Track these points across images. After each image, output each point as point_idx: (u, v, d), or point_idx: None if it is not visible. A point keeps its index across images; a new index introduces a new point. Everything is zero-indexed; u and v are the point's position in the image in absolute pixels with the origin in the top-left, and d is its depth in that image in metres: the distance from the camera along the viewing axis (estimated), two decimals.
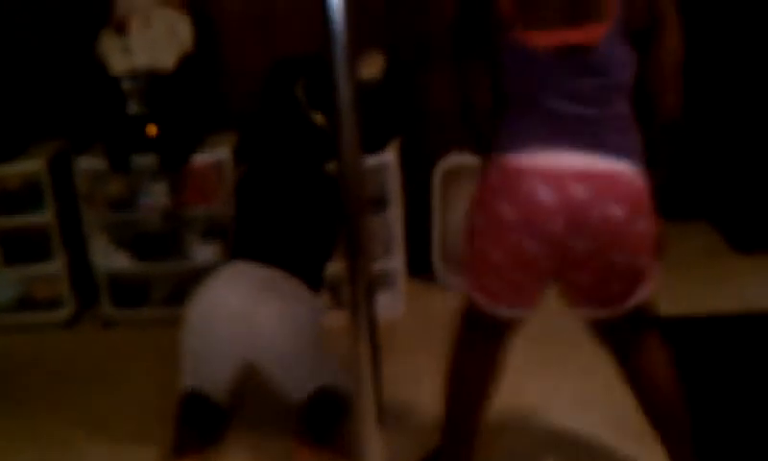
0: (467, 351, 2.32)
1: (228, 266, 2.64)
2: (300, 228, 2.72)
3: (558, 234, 2.00)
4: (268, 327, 2.48)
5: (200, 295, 2.59)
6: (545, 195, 1.98)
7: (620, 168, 1.99)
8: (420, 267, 3.80)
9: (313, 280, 2.68)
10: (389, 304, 3.56)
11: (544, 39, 1.95)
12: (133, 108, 3.39)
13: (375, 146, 3.37)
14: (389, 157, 3.43)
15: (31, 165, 3.55)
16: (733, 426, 2.67)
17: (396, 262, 3.59)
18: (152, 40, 3.37)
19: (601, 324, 2.22)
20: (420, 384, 2.93)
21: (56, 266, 3.66)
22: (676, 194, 4.11)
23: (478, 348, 2.30)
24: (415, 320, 3.53)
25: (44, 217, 3.59)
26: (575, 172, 1.98)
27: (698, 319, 3.33)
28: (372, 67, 3.39)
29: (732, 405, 2.79)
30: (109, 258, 3.64)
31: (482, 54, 2.12)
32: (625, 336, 2.24)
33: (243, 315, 2.47)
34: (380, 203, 3.49)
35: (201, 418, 2.61)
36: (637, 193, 2.01)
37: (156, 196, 3.53)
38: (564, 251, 2.03)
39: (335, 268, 2.93)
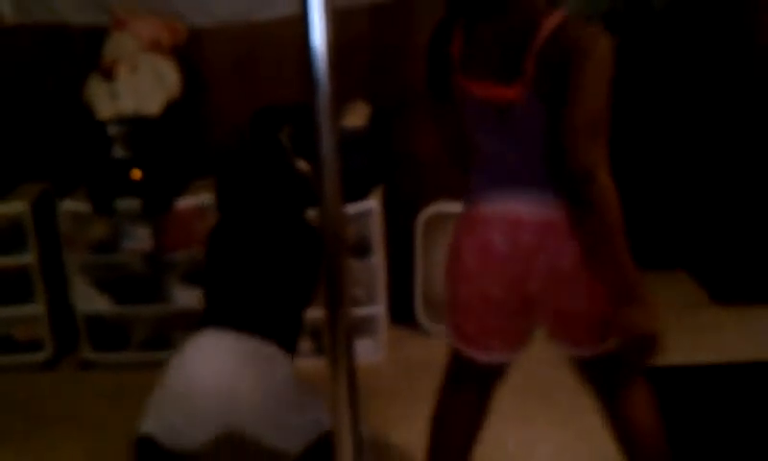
0: (450, 401, 2.33)
1: (204, 336, 2.56)
2: (276, 278, 2.70)
3: (515, 278, 2.08)
4: (248, 402, 2.45)
5: (178, 367, 2.54)
6: (500, 243, 2.07)
7: (563, 213, 2.01)
8: (402, 314, 3.81)
9: (288, 338, 2.65)
10: (370, 351, 3.56)
11: (479, 90, 2.03)
12: (118, 152, 3.40)
13: (359, 193, 3.40)
14: (372, 204, 3.46)
15: (14, 207, 3.55)
16: None
17: (378, 309, 3.60)
18: (138, 86, 3.39)
19: (583, 363, 2.24)
20: (401, 430, 2.92)
21: (36, 308, 3.64)
22: (655, 244, 4.18)
23: (462, 397, 2.32)
24: (396, 366, 3.53)
25: (26, 259, 3.58)
26: (524, 219, 2.05)
27: (676, 369, 3.35)
28: (356, 116, 3.43)
29: (709, 456, 2.80)
30: (90, 301, 3.63)
31: (451, 99, 2.16)
32: (608, 378, 2.25)
33: (222, 392, 2.44)
34: (363, 249, 3.51)
35: None
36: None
37: (139, 240, 3.54)
38: (524, 293, 2.10)
39: (316, 314, 2.93)
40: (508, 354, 2.25)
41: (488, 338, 2.21)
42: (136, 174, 3.42)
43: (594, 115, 1.90)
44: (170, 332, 3.65)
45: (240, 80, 3.68)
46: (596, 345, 2.15)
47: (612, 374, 2.24)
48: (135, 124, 3.38)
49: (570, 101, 1.89)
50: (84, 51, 3.57)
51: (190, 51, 3.60)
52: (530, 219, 2.05)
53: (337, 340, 1.30)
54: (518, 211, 2.07)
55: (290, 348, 2.65)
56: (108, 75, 3.38)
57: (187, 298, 3.55)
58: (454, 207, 3.58)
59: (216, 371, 2.47)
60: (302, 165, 2.94)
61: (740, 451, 2.82)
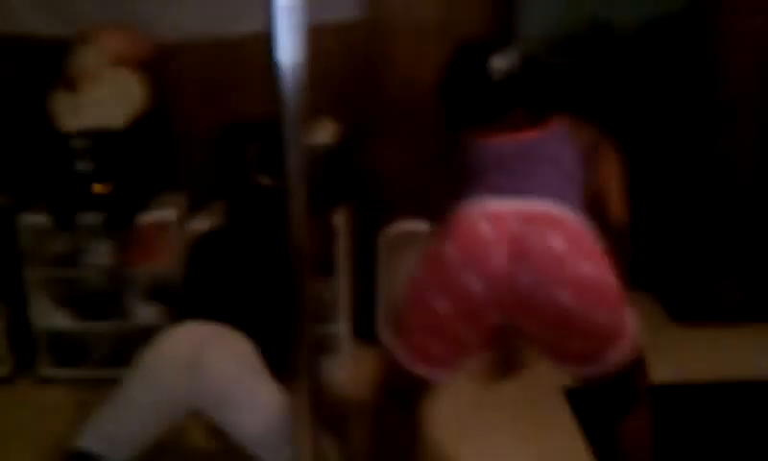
0: (390, 420, 2.31)
1: (176, 326, 2.59)
2: (249, 292, 2.69)
3: (501, 268, 2.00)
4: (207, 375, 2.43)
5: (146, 354, 2.53)
6: (485, 229, 2.04)
7: (559, 210, 2.08)
8: (365, 331, 3.80)
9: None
10: (334, 368, 3.55)
11: (494, 139, 2.30)
12: (81, 165, 3.37)
13: (325, 211, 3.40)
14: (338, 221, 3.46)
15: None
16: None
17: (342, 327, 3.59)
18: (102, 99, 3.37)
19: (589, 384, 2.21)
20: (365, 446, 2.91)
21: None
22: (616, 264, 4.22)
23: (405, 416, 2.29)
24: (360, 383, 3.52)
25: None
26: (514, 211, 2.07)
27: None
28: (323, 134, 3.44)
29: None
30: (49, 316, 3.58)
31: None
32: (612, 399, 2.24)
33: (189, 364, 2.42)
34: (328, 267, 3.50)
35: None
36: (578, 233, 2.06)
37: (101, 255, 3.50)
38: (510, 288, 2.01)
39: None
40: (456, 373, 2.23)
41: (449, 355, 2.17)
42: (99, 188, 3.39)
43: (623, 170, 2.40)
44: (130, 349, 3.60)
45: (207, 95, 3.66)
46: (599, 360, 2.09)
47: (619, 396, 2.22)
48: (99, 137, 3.35)
49: (602, 158, 2.36)
50: (48, 63, 3.53)
51: (156, 65, 3.58)
52: (524, 212, 2.06)
53: (300, 357, 1.30)
54: (509, 206, 2.09)
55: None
56: (73, 88, 3.35)
57: (148, 314, 3.52)
58: (417, 226, 3.61)
59: (178, 348, 2.45)
60: (266, 181, 2.94)
61: None
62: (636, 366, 2.18)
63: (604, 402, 2.25)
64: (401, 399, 2.28)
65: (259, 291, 2.69)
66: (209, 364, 2.43)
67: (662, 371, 3.50)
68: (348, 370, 3.61)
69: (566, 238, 2.02)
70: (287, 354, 2.59)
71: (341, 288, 3.56)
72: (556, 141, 2.26)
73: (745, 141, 3.78)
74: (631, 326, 2.14)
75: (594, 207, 2.22)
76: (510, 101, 2.34)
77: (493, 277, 2.01)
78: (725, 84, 3.73)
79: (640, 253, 4.32)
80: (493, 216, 2.05)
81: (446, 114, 2.45)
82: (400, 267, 3.69)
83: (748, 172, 3.82)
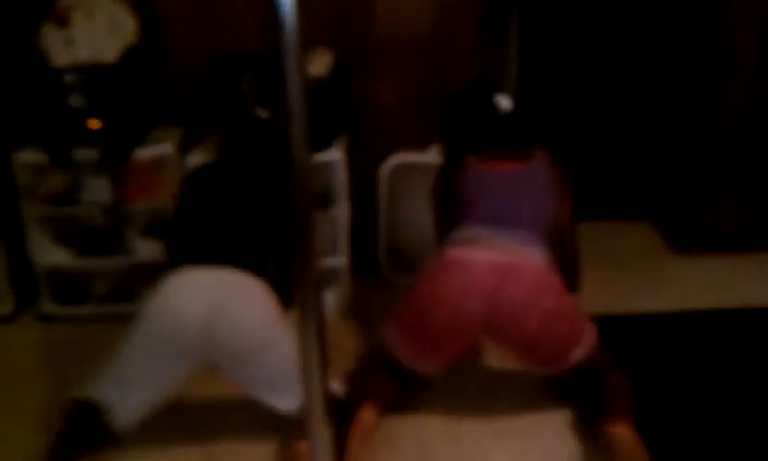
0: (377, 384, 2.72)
1: (181, 273, 2.55)
2: (246, 225, 2.68)
3: (476, 313, 2.54)
4: (227, 333, 2.43)
5: (156, 304, 2.51)
6: (465, 283, 2.55)
7: (524, 256, 2.58)
8: (365, 266, 3.79)
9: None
10: (333, 303, 3.56)
11: (493, 166, 2.80)
12: (75, 101, 3.32)
13: (323, 144, 3.37)
14: (336, 154, 3.43)
15: None
16: (672, 425, 2.73)
17: (341, 260, 3.58)
18: (95, 33, 3.31)
19: (555, 380, 2.72)
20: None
21: None
22: (619, 194, 4.21)
23: (388, 381, 2.72)
24: (360, 319, 3.53)
25: None
26: (487, 263, 2.54)
27: (637, 317, 3.39)
28: (319, 65, 3.38)
29: (670, 404, 2.85)
30: (49, 254, 3.57)
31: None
32: (581, 388, 2.67)
33: (200, 321, 2.42)
34: (327, 200, 3.48)
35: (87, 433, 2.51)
36: (539, 274, 2.56)
37: (98, 191, 3.47)
38: (489, 321, 2.56)
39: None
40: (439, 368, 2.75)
41: (438, 355, 2.69)
42: (94, 123, 3.35)
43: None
44: (131, 285, 3.61)
45: (199, 26, 3.60)
46: (561, 362, 2.60)
47: (586, 383, 2.64)
48: (92, 72, 3.30)
49: (564, 243, 2.76)
50: None
51: None
52: (494, 263, 2.55)
53: (305, 291, 1.29)
54: (484, 257, 2.57)
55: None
56: (64, 22, 3.29)
57: (148, 250, 3.51)
58: (416, 157, 3.58)
59: (195, 299, 2.45)
60: (263, 114, 2.91)
61: (698, 399, 2.88)
62: (595, 356, 2.63)
63: (575, 391, 2.73)
64: (391, 369, 2.72)
65: (253, 226, 2.67)
66: (230, 320, 2.42)
67: (662, 300, 3.53)
68: (347, 305, 3.61)
69: (527, 283, 2.53)
70: (284, 287, 2.62)
71: (341, 221, 3.54)
72: (534, 174, 2.76)
73: (744, 67, 3.73)
74: (590, 331, 2.64)
75: (554, 236, 2.72)
76: (510, 135, 2.85)
77: (477, 310, 2.54)
78: (725, 17, 3.66)
79: (644, 182, 4.32)
80: (470, 268, 2.57)
81: (452, 140, 2.97)
82: (402, 199, 3.67)
83: (745, 98, 3.77)
